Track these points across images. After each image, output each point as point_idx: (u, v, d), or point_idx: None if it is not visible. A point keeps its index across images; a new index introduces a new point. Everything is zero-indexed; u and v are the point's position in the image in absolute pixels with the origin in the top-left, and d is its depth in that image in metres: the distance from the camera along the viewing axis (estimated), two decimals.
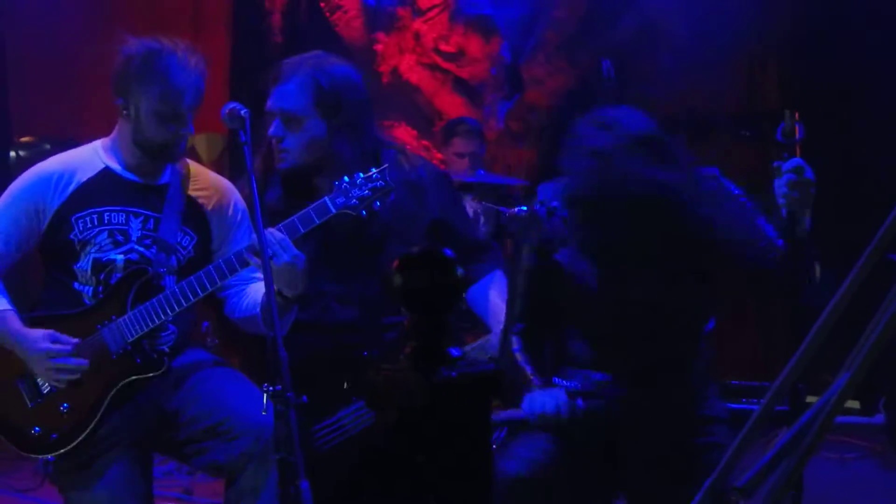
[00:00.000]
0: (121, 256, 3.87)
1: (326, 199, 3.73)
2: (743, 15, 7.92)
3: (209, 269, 3.77)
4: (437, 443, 1.64)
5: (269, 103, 4.01)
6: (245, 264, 3.70)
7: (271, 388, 3.32)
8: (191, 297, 3.76)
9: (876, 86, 7.15)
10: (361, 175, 3.73)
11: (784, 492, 1.96)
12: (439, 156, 7.64)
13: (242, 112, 3.58)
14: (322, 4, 7.91)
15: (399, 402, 1.67)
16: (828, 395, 2.02)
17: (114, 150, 3.95)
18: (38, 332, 3.78)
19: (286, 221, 3.73)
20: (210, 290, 3.78)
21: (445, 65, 8.02)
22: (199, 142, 6.95)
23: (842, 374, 2.01)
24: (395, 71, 8.01)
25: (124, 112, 3.88)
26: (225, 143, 7.24)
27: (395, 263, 1.81)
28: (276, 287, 3.66)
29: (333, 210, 3.73)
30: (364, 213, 3.72)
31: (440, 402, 1.64)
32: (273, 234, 3.67)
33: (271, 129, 4.00)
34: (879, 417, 6.98)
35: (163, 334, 3.90)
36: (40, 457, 3.81)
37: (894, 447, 6.49)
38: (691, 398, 3.40)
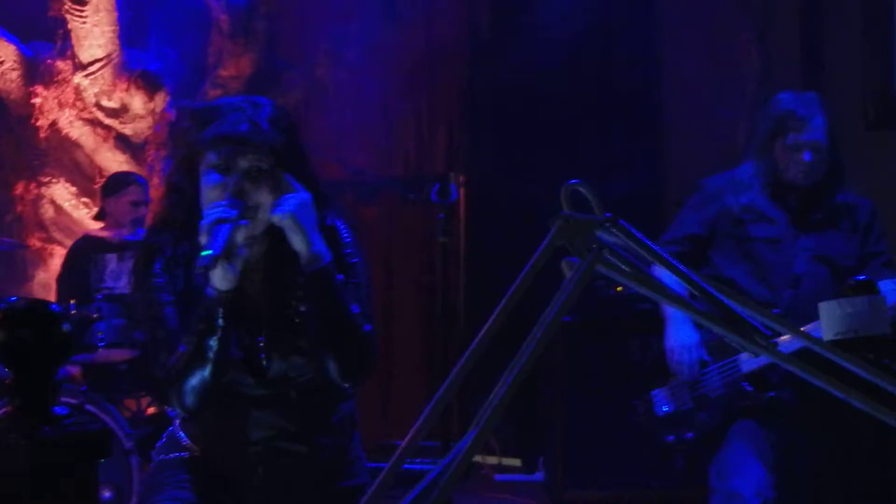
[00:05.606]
0: None
1: None
2: (412, 81, 8.10)
3: None
4: None
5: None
6: None
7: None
8: None
9: (545, 150, 7.49)
10: None
11: None
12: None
13: None
14: None
15: None
16: (455, 452, 2.02)
17: None
18: None
19: None
20: None
21: (107, 121, 7.83)
22: None
23: (469, 431, 2.02)
24: (54, 125, 7.76)
25: None
26: None
27: None
28: None
29: None
30: None
31: (41, 463, 1.55)
32: None
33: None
34: (539, 475, 7.18)
35: None
36: None
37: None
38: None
